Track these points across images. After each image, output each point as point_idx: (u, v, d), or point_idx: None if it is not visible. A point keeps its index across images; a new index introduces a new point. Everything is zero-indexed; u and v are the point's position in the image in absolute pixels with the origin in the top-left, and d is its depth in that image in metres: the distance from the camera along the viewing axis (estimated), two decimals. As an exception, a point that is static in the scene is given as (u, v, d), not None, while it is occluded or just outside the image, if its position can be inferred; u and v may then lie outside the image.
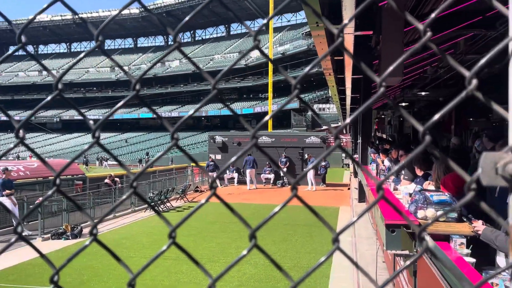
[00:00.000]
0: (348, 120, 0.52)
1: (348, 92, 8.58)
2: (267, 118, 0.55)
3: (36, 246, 0.65)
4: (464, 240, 3.26)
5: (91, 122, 0.64)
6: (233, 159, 0.53)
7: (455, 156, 6.56)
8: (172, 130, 0.58)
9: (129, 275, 0.59)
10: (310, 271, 0.54)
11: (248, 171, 21.11)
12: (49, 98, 0.61)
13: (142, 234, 11.97)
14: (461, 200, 0.48)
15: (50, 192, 0.59)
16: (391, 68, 0.52)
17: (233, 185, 22.01)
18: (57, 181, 0.59)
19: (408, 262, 0.50)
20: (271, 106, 46.21)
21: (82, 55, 0.66)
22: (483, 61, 0.47)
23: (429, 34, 0.47)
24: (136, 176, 0.58)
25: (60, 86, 0.60)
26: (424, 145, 0.48)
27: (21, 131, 0.59)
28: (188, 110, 59.49)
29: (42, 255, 0.59)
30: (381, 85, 0.50)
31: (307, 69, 0.56)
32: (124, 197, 0.62)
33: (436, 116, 0.50)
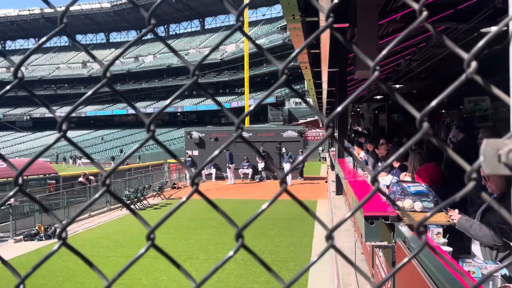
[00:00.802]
0: (339, 108, 0.48)
1: (325, 85, 8.61)
2: (252, 107, 0.51)
3: (6, 261, 0.59)
4: (441, 230, 3.31)
5: (57, 114, 0.58)
6: (216, 152, 0.49)
7: (429, 148, 6.67)
8: (148, 122, 0.53)
9: (110, 271, 0.54)
10: (303, 271, 0.50)
11: (232, 166, 21.02)
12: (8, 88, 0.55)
13: (119, 233, 11.77)
14: (460, 190, 0.45)
15: (11, 193, 0.53)
16: (386, 50, 0.48)
17: (210, 181, 21.90)
18: (20, 180, 0.53)
19: (406, 259, 0.47)
20: (247, 100, 46.12)
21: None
22: (482, 42, 0.44)
23: (425, 13, 0.43)
24: (108, 174, 0.53)
25: (20, 74, 0.54)
26: (421, 132, 0.45)
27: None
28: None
29: (4, 262, 0.53)
30: (375, 70, 0.46)
31: (294, 54, 0.52)
32: (96, 195, 0.57)
33: (434, 102, 0.47)
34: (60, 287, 7.68)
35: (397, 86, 11.91)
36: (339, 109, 0.50)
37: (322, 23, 4.14)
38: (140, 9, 0.56)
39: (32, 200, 0.58)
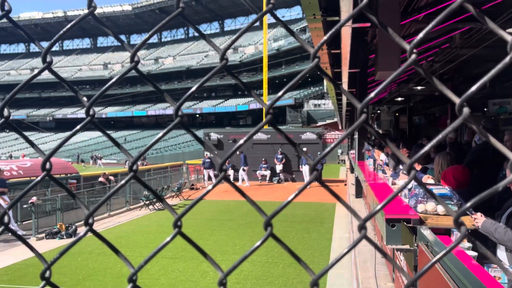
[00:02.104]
0: (372, 94, 0.46)
1: (345, 86, 8.54)
2: (291, 83, 0.49)
3: (33, 247, 0.59)
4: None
5: (85, 99, 0.58)
6: (238, 145, 0.47)
7: (447, 151, 6.52)
8: (175, 107, 0.52)
9: (129, 270, 0.53)
10: (334, 262, 0.48)
11: (246, 168, 21.03)
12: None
13: (138, 233, 11.88)
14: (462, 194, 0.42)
15: (39, 178, 0.53)
16: (422, 33, 0.46)
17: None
18: (47, 165, 0.53)
19: (441, 254, 0.45)
20: (266, 102, 46.08)
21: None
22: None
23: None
24: (135, 159, 0.52)
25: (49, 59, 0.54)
26: (462, 118, 0.43)
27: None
28: (184, 107, 58.80)
29: (31, 249, 0.53)
30: (412, 52, 0.44)
31: (326, 37, 0.50)
32: (123, 182, 0.56)
33: (473, 88, 0.44)
34: (80, 285, 7.79)
35: (419, 88, 11.73)
36: (372, 94, 0.48)
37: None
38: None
39: (59, 185, 0.58)
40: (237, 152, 21.84)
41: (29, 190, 0.55)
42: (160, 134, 0.56)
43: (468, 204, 0.42)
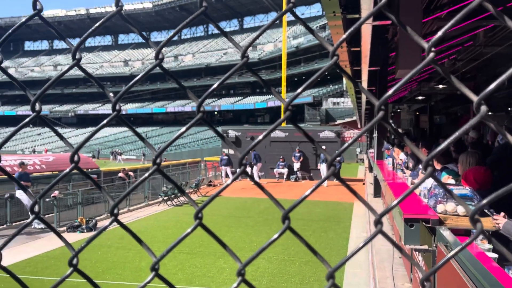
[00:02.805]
0: (390, 91, 0.47)
1: (364, 85, 8.46)
2: (313, 78, 0.50)
3: (62, 236, 0.61)
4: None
5: (112, 95, 0.60)
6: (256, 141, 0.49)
7: (474, 150, 6.41)
8: (198, 103, 0.53)
9: (148, 263, 0.55)
10: (350, 255, 0.49)
11: (259, 164, 21.07)
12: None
13: (156, 228, 12.04)
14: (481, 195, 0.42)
15: (68, 170, 0.55)
16: (441, 32, 0.46)
17: (246, 180, 22.01)
18: (75, 157, 0.55)
19: (456, 249, 0.45)
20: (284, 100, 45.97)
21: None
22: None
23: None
24: (159, 152, 0.54)
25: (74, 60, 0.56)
26: (479, 116, 0.43)
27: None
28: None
29: (60, 237, 0.55)
30: (430, 51, 0.45)
31: (347, 33, 0.50)
32: (146, 174, 0.58)
33: (492, 86, 0.45)
34: (100, 277, 7.94)
35: (440, 86, 11.54)
36: (390, 92, 0.49)
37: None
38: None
39: (86, 176, 0.60)
40: (250, 152, 21.70)
41: (59, 181, 0.58)
42: (183, 129, 0.58)
43: (485, 201, 0.43)
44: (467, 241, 0.45)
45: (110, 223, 0.55)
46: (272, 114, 57.33)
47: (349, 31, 0.52)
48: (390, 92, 0.48)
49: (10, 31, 0.58)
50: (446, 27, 0.49)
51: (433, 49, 0.45)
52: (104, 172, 20.45)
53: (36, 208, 0.57)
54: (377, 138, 9.67)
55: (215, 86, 0.53)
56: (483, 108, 0.43)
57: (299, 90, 0.52)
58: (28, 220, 0.59)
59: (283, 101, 0.53)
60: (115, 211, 0.55)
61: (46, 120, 0.62)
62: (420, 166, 5.99)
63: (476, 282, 2.53)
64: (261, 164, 21.42)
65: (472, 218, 0.44)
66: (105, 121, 0.56)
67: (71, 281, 7.50)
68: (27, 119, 0.59)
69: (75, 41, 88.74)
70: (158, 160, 0.54)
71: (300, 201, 0.51)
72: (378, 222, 0.48)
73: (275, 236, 0.52)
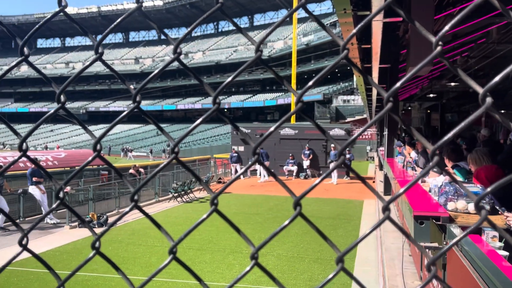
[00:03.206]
0: (398, 84, 0.48)
1: (375, 82, 8.42)
2: (310, 83, 0.53)
3: (84, 220, 0.64)
4: (496, 233, 3.16)
5: (132, 87, 0.63)
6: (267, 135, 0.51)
7: (453, 148, 6.33)
8: (214, 95, 0.56)
9: (158, 258, 0.58)
10: (358, 240, 0.52)
11: (267, 163, 21.11)
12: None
13: (166, 224, 12.13)
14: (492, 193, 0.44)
15: (90, 158, 0.58)
16: (448, 26, 0.48)
17: (255, 177, 22.06)
18: (98, 146, 0.58)
19: (462, 235, 0.47)
20: (294, 98, 45.91)
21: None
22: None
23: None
24: (176, 142, 0.56)
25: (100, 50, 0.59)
26: (484, 107, 0.45)
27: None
28: (211, 102, 59.47)
29: (82, 220, 0.58)
30: (437, 45, 0.46)
31: (360, 25, 0.52)
32: (165, 162, 0.61)
33: (497, 78, 0.46)
34: (110, 272, 8.04)
35: (452, 84, 11.43)
36: (398, 84, 0.50)
37: (376, 17, 4.05)
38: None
39: (108, 164, 0.63)
40: (259, 149, 21.74)
41: (82, 169, 0.60)
42: (199, 120, 0.60)
43: (489, 189, 0.44)
44: (472, 226, 0.47)
45: (130, 209, 0.58)
46: (282, 111, 57.25)
47: (358, 26, 0.53)
48: (398, 84, 0.50)
49: (37, 26, 0.61)
50: (453, 21, 0.51)
51: (440, 43, 0.46)
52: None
53: (61, 195, 0.60)
54: (387, 136, 9.62)
55: (230, 79, 0.56)
56: (488, 99, 0.45)
57: (310, 83, 0.54)
58: (54, 206, 0.62)
59: (295, 93, 0.55)
60: (135, 197, 0.58)
61: (69, 112, 0.65)
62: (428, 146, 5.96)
63: (487, 280, 2.53)
64: (269, 162, 21.46)
65: (476, 205, 0.45)
66: (126, 112, 0.58)
67: (82, 275, 7.61)
68: (53, 110, 0.62)
69: (86, 39, 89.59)
70: (176, 149, 0.56)
71: (312, 188, 0.53)
72: (386, 209, 0.50)
73: (286, 222, 0.54)
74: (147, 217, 0.60)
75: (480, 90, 0.46)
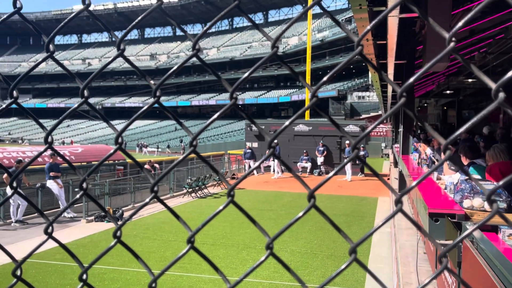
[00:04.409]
0: (411, 79, 0.49)
1: (390, 78, 8.34)
2: (325, 78, 0.54)
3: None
4: (513, 232, 3.12)
5: (152, 82, 0.65)
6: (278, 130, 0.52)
7: (469, 145, 6.21)
8: (231, 90, 0.57)
9: (172, 253, 0.60)
10: (373, 230, 0.53)
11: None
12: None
13: (181, 219, 12.26)
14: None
15: (112, 151, 0.60)
16: (462, 22, 0.49)
17: (269, 173, 22.08)
18: (119, 139, 0.60)
19: (472, 228, 0.48)
20: (308, 94, 45.67)
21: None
22: None
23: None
24: (195, 136, 0.58)
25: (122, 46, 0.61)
26: (497, 102, 0.46)
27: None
28: (226, 98, 60.05)
29: (103, 207, 0.61)
30: (450, 40, 0.47)
31: (377, 19, 0.53)
32: (184, 155, 0.63)
33: (510, 73, 0.47)
34: (126, 265, 8.17)
35: (470, 80, 11.25)
36: (412, 79, 0.51)
37: (391, 13, 4.02)
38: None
39: (129, 157, 0.65)
40: (274, 143, 21.77)
41: (106, 160, 0.63)
42: (216, 115, 0.62)
43: (501, 182, 0.45)
44: (483, 219, 0.47)
45: (150, 199, 0.60)
46: (296, 108, 57.08)
47: (373, 22, 0.54)
48: (412, 79, 0.51)
49: (62, 23, 0.64)
50: (466, 17, 0.51)
51: (453, 39, 0.47)
52: (130, 164, 20.89)
53: (84, 185, 0.63)
54: (402, 133, 9.53)
55: (246, 74, 0.57)
56: (501, 94, 0.45)
57: (325, 78, 0.55)
58: (77, 196, 0.65)
59: (309, 88, 0.56)
60: (155, 188, 0.60)
61: (92, 106, 0.67)
62: (447, 162, 5.89)
63: (503, 278, 2.50)
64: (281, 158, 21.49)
65: (488, 198, 0.46)
66: (146, 107, 0.60)
67: (99, 268, 7.74)
68: (77, 104, 0.65)
69: (103, 35, 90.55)
70: (194, 143, 0.58)
71: (326, 180, 0.54)
72: (398, 201, 0.51)
73: (301, 213, 0.56)
74: (166, 207, 0.62)
75: (493, 85, 0.46)
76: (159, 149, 50.18)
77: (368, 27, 0.52)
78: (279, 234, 0.56)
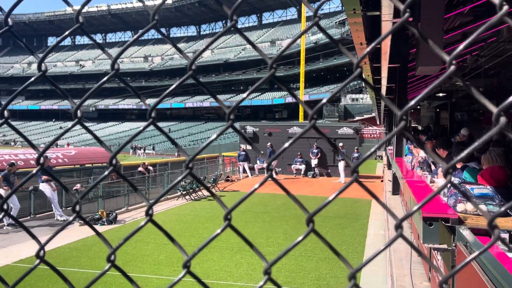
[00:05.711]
0: (412, 102, 0.49)
1: (384, 82, 8.38)
2: (326, 100, 0.53)
3: (95, 228, 0.66)
4: (507, 236, 3.14)
5: (148, 102, 0.64)
6: (287, 144, 0.51)
7: (462, 149, 6.26)
8: (228, 111, 0.56)
9: (169, 256, 0.59)
10: (370, 258, 0.52)
11: (274, 163, 21.20)
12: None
13: (175, 222, 12.20)
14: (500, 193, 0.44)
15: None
16: (463, 45, 0.48)
17: (263, 176, 22.05)
18: (114, 161, 0.59)
19: (477, 252, 0.47)
20: (302, 96, 45.83)
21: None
22: None
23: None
24: (191, 158, 0.57)
25: (116, 66, 0.60)
26: (498, 127, 0.45)
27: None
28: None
29: (98, 234, 0.60)
30: (451, 64, 0.47)
31: (377, 41, 0.53)
32: (179, 178, 0.62)
33: (511, 98, 0.46)
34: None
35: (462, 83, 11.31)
36: (412, 103, 0.51)
37: (384, 17, 4.03)
38: None
39: (124, 179, 0.64)
40: (267, 145, 21.94)
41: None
42: (214, 136, 0.61)
43: (503, 209, 0.44)
44: (486, 245, 0.47)
45: (145, 223, 0.59)
46: (290, 110, 57.21)
47: (371, 45, 0.54)
48: (412, 102, 0.51)
49: (54, 43, 0.62)
50: (467, 41, 0.51)
51: (454, 62, 0.47)
52: (124, 166, 20.79)
53: (77, 208, 0.62)
54: (396, 135, 9.56)
55: (245, 95, 0.56)
56: (502, 119, 0.45)
57: (324, 101, 0.55)
58: (71, 219, 0.63)
59: (307, 109, 0.55)
60: (150, 211, 0.59)
61: (86, 127, 0.66)
62: (440, 165, 5.91)
63: (497, 283, 2.51)
64: (277, 161, 21.52)
65: (490, 224, 0.46)
66: (142, 128, 0.59)
67: (91, 272, 7.68)
68: (71, 125, 0.64)
69: (96, 37, 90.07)
70: (190, 165, 0.57)
71: (326, 204, 0.53)
72: (398, 227, 0.50)
73: (300, 238, 0.55)
74: (162, 231, 0.61)
75: (494, 109, 0.46)
76: (153, 151, 50.11)
77: (368, 50, 0.51)
78: (277, 260, 0.55)
